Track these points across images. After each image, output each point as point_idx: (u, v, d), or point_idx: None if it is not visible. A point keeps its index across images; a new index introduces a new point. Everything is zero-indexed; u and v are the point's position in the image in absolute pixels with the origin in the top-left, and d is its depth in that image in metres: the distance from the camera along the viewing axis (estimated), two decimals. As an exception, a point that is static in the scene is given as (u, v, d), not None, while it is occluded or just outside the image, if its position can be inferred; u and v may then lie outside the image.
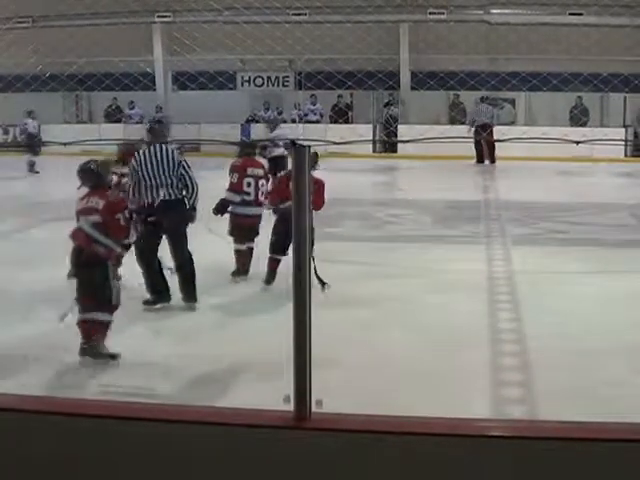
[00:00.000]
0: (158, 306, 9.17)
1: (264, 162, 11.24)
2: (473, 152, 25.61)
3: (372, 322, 8.71)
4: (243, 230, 10.67)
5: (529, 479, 3.16)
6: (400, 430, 3.28)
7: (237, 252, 10.73)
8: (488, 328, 8.64)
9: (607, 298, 9.78)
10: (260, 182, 10.77)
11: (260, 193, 10.72)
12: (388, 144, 27.99)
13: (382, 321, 8.78)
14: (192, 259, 9.37)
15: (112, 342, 7.56)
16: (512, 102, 28.94)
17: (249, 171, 10.77)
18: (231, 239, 10.74)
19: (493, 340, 8.29)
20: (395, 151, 27.88)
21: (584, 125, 27.16)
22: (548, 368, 7.40)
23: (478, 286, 10.25)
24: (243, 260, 10.71)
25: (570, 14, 25.81)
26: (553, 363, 7.50)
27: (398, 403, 5.90)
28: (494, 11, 26.60)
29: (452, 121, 28.13)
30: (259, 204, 10.74)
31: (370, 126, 28.32)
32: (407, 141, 22.27)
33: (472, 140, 25.53)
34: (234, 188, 10.66)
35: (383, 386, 6.82)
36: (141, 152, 9.42)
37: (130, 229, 7.75)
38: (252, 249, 10.77)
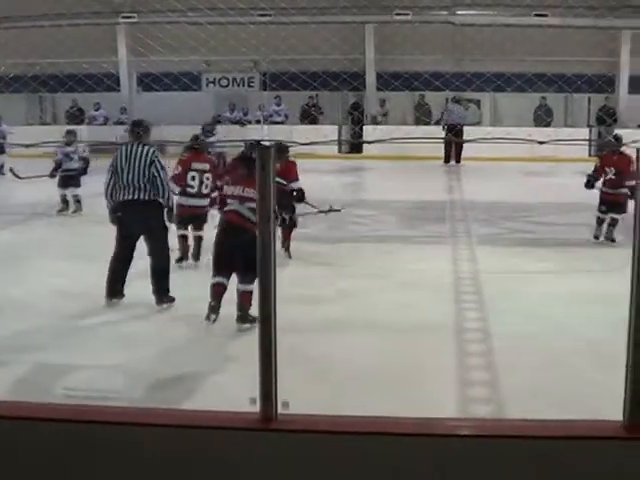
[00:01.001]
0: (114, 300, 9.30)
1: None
2: (439, 152, 25.65)
3: (338, 322, 8.71)
4: (183, 219, 11.09)
5: (497, 477, 3.16)
6: (367, 430, 3.27)
7: (179, 237, 11.26)
8: (454, 328, 8.65)
9: (571, 297, 9.81)
10: (205, 176, 11.37)
11: (204, 186, 11.30)
12: (354, 145, 27.97)
13: (348, 321, 8.76)
14: (168, 259, 9.59)
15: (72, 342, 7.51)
16: (477, 103, 29.01)
17: (193, 165, 11.38)
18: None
19: (459, 340, 8.30)
20: (360, 151, 27.83)
21: (548, 125, 27.32)
22: (513, 367, 7.42)
23: (444, 286, 10.27)
24: (185, 246, 11.36)
25: (535, 15, 25.90)
26: (518, 362, 7.53)
27: (363, 403, 5.89)
28: (459, 12, 26.61)
29: (417, 122, 28.13)
30: (203, 196, 11.30)
31: (335, 127, 28.27)
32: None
33: (442, 140, 25.61)
34: (174, 179, 11.00)
35: (348, 386, 6.81)
36: (119, 150, 9.57)
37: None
38: (201, 237, 11.36)
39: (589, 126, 28.28)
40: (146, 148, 9.44)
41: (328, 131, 26.76)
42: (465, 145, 25.21)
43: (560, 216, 15.68)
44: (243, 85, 28.68)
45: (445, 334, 8.34)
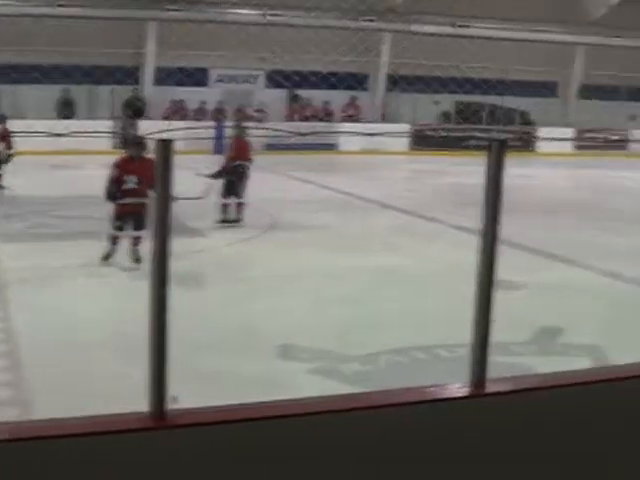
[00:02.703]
0: None
1: None
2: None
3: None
4: None
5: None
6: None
7: None
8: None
9: (109, 293, 9.87)
10: None
11: None
12: None
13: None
14: None
15: None
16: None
17: None
18: None
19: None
20: None
21: (71, 117, 27.10)
22: (42, 365, 7.33)
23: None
24: None
25: (58, 6, 25.69)
26: (47, 360, 7.45)
27: None
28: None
29: None
30: None
31: None
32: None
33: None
34: None
35: None
36: None
37: None
38: None
39: (113, 118, 28.48)
40: None
41: None
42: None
43: (89, 209, 15.57)
44: None
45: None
